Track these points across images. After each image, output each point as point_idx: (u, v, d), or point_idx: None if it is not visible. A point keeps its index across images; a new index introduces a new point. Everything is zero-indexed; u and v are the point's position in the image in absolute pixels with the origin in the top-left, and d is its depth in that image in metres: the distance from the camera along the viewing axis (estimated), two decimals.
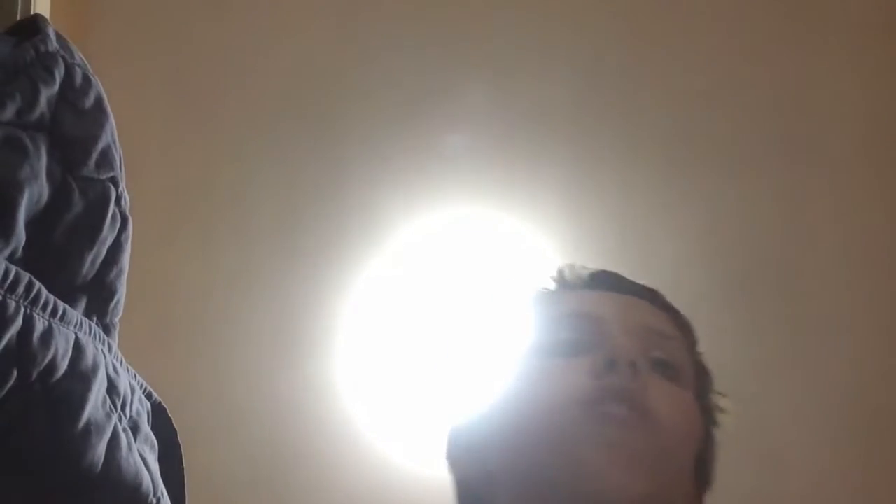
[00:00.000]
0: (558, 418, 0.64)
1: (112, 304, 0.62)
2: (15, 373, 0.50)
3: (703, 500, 0.70)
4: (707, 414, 0.71)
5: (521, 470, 0.66)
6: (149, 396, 0.66)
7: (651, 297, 0.74)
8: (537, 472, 0.64)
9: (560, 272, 0.76)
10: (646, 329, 0.69)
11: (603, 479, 0.61)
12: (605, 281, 0.75)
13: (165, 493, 0.62)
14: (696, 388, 0.70)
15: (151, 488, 0.60)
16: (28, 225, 0.53)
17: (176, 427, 0.68)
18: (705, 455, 0.70)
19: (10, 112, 0.54)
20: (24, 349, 0.50)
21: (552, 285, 0.76)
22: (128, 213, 0.63)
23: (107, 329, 0.61)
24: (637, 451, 0.62)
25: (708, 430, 0.71)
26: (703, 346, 0.73)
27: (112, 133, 0.62)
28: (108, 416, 0.57)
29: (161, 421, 0.67)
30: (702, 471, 0.69)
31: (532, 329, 0.72)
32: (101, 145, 0.60)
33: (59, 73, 0.58)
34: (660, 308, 0.73)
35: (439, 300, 1.57)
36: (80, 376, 0.54)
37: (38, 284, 0.52)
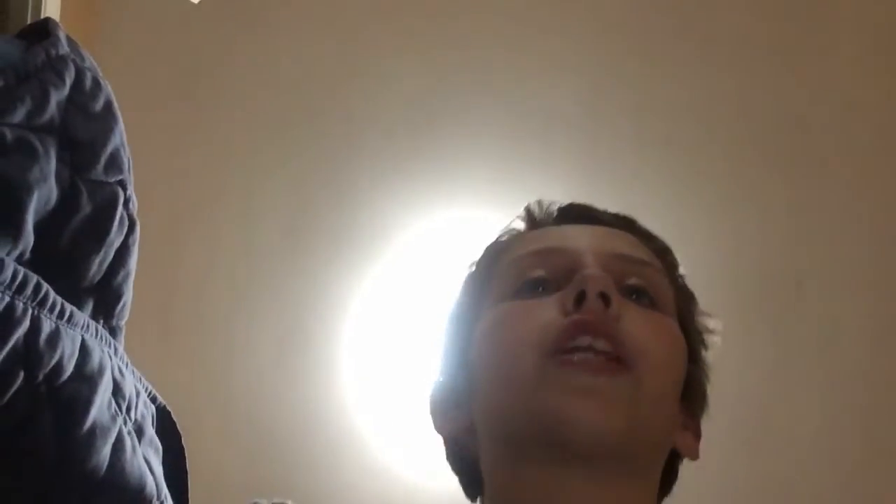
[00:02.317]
0: (523, 364, 0.61)
1: (119, 307, 0.62)
2: (21, 374, 0.50)
3: (698, 421, 0.67)
4: (693, 337, 0.68)
5: (494, 420, 0.64)
6: (154, 400, 0.66)
7: (625, 224, 0.71)
8: (509, 422, 0.62)
9: (528, 210, 0.73)
10: (619, 257, 0.66)
11: (575, 427, 0.58)
12: (576, 213, 0.72)
13: (169, 497, 0.62)
14: (679, 312, 0.67)
15: (155, 491, 0.60)
16: (37, 227, 0.54)
17: (180, 431, 0.68)
18: (693, 378, 0.67)
19: (20, 115, 0.54)
20: (31, 350, 0.51)
21: (520, 225, 0.73)
22: (136, 216, 0.63)
23: (113, 332, 0.61)
24: (610, 394, 0.58)
25: (695, 352, 0.68)
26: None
27: (121, 136, 0.62)
28: (114, 419, 0.57)
29: (165, 424, 0.67)
30: (691, 393, 0.66)
31: (501, 272, 0.68)
32: (109, 149, 0.60)
33: (69, 77, 0.58)
34: (635, 235, 0.70)
35: (444, 304, 1.56)
36: (86, 378, 0.54)
37: (45, 286, 0.52)
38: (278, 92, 1.65)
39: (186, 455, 0.68)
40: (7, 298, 0.49)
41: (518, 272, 0.67)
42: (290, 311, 1.59)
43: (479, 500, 0.68)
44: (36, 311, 0.51)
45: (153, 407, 0.65)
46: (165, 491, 0.62)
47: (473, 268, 0.73)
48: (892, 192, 1.62)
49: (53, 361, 0.52)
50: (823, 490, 1.52)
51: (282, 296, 1.59)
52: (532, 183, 1.59)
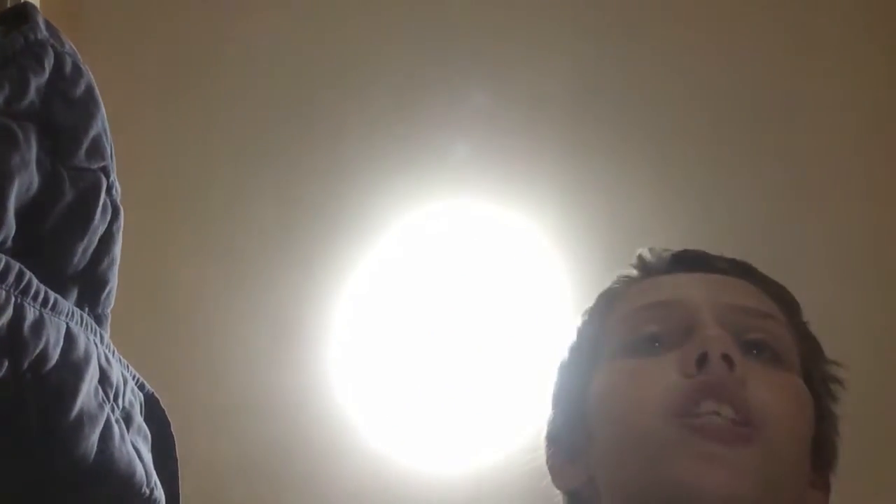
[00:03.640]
0: (650, 429, 0.58)
1: (104, 295, 0.62)
2: (6, 363, 0.50)
3: (829, 480, 0.65)
4: (820, 390, 0.66)
5: (616, 481, 0.62)
6: (141, 387, 0.66)
7: (742, 271, 0.68)
8: (632, 485, 0.60)
9: (640, 257, 0.71)
10: (738, 309, 0.63)
11: (702, 497, 0.55)
12: (690, 260, 0.69)
13: (159, 484, 0.62)
14: (803, 365, 0.65)
15: (144, 478, 0.60)
16: (18, 215, 0.53)
17: (169, 418, 0.68)
18: (823, 435, 0.64)
19: None
20: (15, 339, 0.50)
21: (633, 273, 0.70)
22: (119, 202, 0.62)
23: (98, 319, 0.61)
24: (739, 461, 0.56)
25: (823, 407, 0.65)
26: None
27: (103, 122, 0.61)
28: (101, 407, 0.57)
29: (154, 412, 0.66)
30: (821, 452, 0.64)
31: (615, 325, 0.66)
32: (91, 134, 0.60)
33: (48, 62, 0.58)
34: (754, 283, 0.67)
35: (435, 296, 1.57)
36: (71, 366, 0.54)
37: (28, 274, 0.51)
38: (266, 79, 1.64)
39: (176, 442, 0.68)
40: None
41: (632, 327, 0.65)
42: (283, 299, 1.58)
43: None
44: (19, 300, 0.50)
45: (141, 394, 0.65)
46: (155, 478, 0.62)
47: (586, 316, 0.72)
48: (884, 179, 1.63)
49: (38, 350, 0.51)
50: None
51: (273, 284, 1.58)
52: (523, 177, 1.59)
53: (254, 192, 1.61)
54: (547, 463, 0.70)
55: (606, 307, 0.70)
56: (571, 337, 0.73)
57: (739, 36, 1.66)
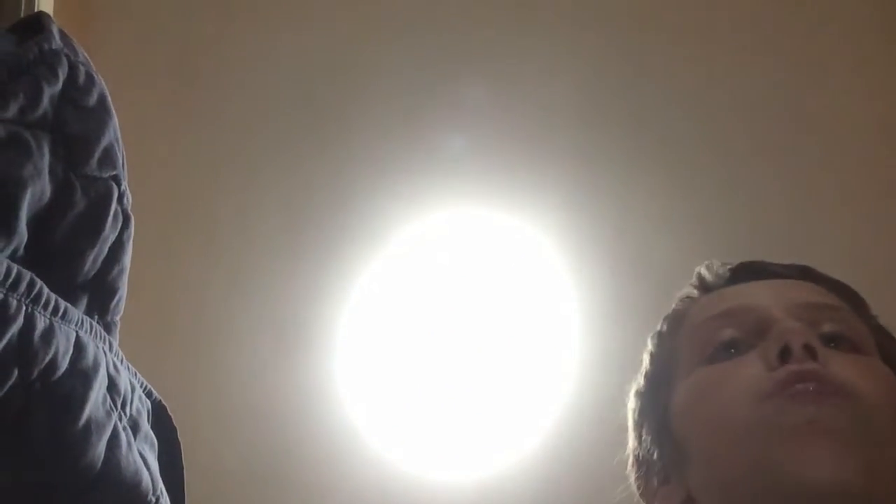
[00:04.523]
0: (741, 418, 0.57)
1: (113, 303, 0.62)
2: (16, 371, 0.50)
3: None
4: None
5: (717, 485, 0.60)
6: (149, 395, 0.66)
7: (803, 273, 0.68)
8: (734, 484, 0.58)
9: (699, 276, 0.71)
10: (808, 306, 0.63)
11: (808, 464, 0.53)
12: (749, 271, 0.69)
13: (165, 492, 0.62)
14: (881, 351, 0.64)
15: (151, 487, 0.60)
16: (30, 223, 0.53)
17: (176, 426, 0.68)
18: None
19: (13, 110, 0.54)
20: (26, 347, 0.50)
21: (694, 293, 0.70)
22: (130, 211, 0.63)
23: (108, 327, 0.61)
24: (836, 426, 0.54)
25: None
26: None
27: (115, 131, 0.62)
28: (109, 415, 0.57)
29: (161, 420, 0.67)
30: None
31: (687, 340, 0.66)
32: (103, 144, 0.60)
33: (62, 72, 0.58)
34: (816, 282, 0.67)
35: (440, 304, 1.57)
36: (80, 375, 0.54)
37: (39, 283, 0.52)
38: (274, 85, 1.64)
39: (183, 450, 0.68)
40: (0, 295, 0.49)
41: (706, 337, 0.64)
42: (288, 305, 1.58)
43: None
44: (30, 308, 0.50)
45: (148, 402, 0.65)
46: (161, 486, 0.62)
47: (656, 339, 0.71)
48: (888, 186, 1.62)
49: (48, 358, 0.52)
50: None
51: (280, 289, 1.59)
52: (528, 182, 1.59)
53: (260, 199, 1.62)
54: (639, 491, 0.69)
55: (675, 326, 0.69)
56: (644, 364, 0.72)
57: (749, 42, 1.66)
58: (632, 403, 0.72)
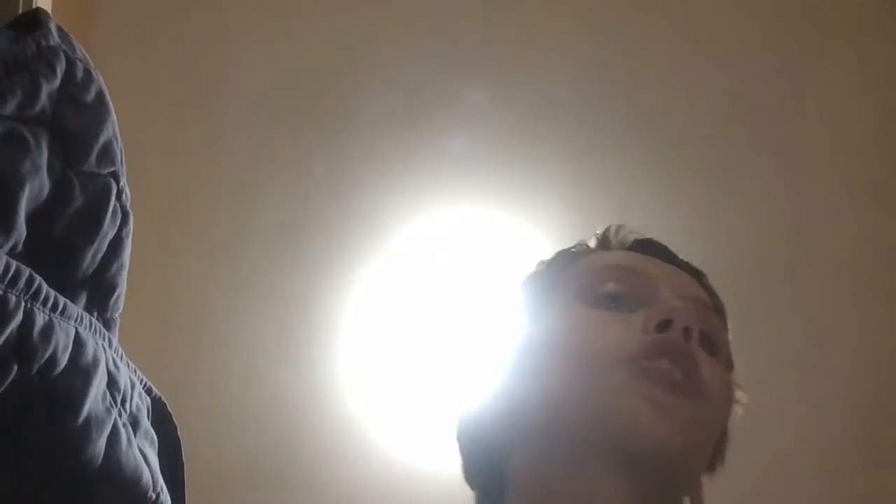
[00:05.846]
0: (603, 368, 0.59)
1: (113, 299, 0.62)
2: (15, 367, 0.50)
3: (701, 479, 0.67)
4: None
5: (550, 415, 0.61)
6: (149, 392, 0.66)
7: (696, 274, 0.70)
8: (568, 417, 0.60)
9: (604, 232, 0.72)
10: (695, 301, 0.65)
11: (642, 432, 0.57)
12: (652, 248, 0.71)
13: (165, 488, 0.62)
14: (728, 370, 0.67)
15: (151, 483, 0.60)
16: (29, 219, 0.53)
17: (176, 422, 0.68)
18: (723, 437, 0.67)
19: (11, 106, 0.53)
20: (25, 344, 0.50)
21: (592, 243, 0.72)
22: (129, 207, 0.63)
23: (107, 324, 0.61)
24: (679, 413, 0.58)
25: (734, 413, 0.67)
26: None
27: (113, 128, 0.62)
28: (108, 411, 0.57)
29: (161, 416, 0.67)
30: (717, 451, 0.66)
31: (575, 276, 0.67)
32: (102, 140, 0.60)
33: (60, 68, 0.58)
34: (704, 287, 0.69)
35: (439, 298, 1.57)
36: (80, 371, 0.54)
37: (38, 279, 0.52)
38: (274, 85, 1.64)
39: (183, 447, 0.68)
40: None
41: (594, 280, 0.66)
42: (289, 304, 1.59)
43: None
44: (29, 304, 0.50)
45: (148, 399, 0.65)
46: (161, 483, 0.62)
47: (541, 267, 0.73)
48: (887, 181, 1.62)
49: (47, 354, 0.52)
50: (815, 480, 1.53)
51: (280, 288, 1.59)
52: (525, 181, 1.59)
53: (259, 197, 1.62)
54: (459, 427, 0.71)
55: (564, 264, 0.71)
56: (519, 286, 0.73)
57: (745, 39, 1.66)
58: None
